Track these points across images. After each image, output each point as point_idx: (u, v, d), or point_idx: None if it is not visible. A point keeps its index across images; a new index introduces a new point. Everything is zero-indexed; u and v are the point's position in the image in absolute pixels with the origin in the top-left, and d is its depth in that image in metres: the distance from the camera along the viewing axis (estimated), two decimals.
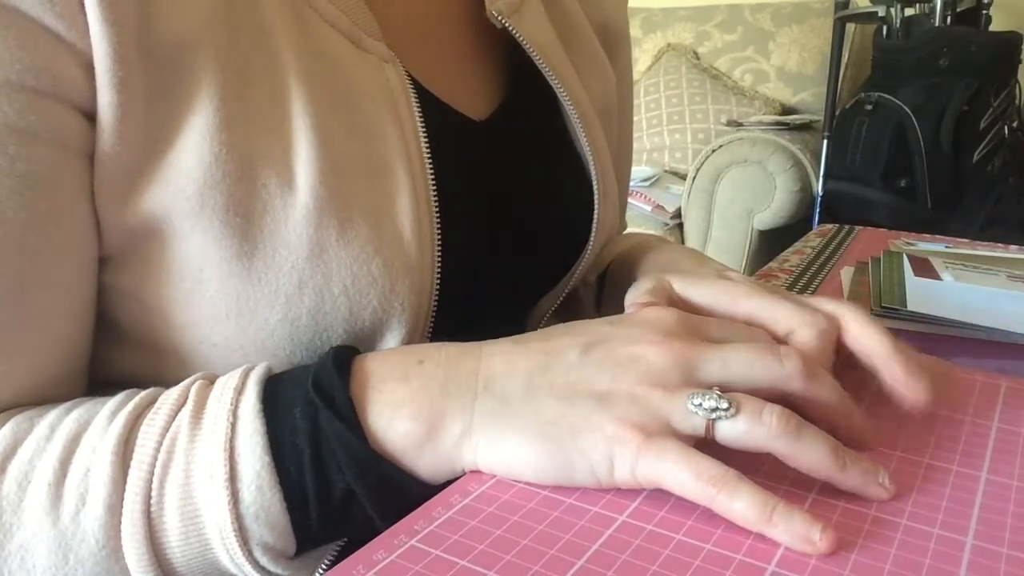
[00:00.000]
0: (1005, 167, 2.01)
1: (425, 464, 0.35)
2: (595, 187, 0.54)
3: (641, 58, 2.71)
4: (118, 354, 0.42)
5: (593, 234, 0.54)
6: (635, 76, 2.68)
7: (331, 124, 0.41)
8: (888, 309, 0.55)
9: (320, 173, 0.39)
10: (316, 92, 0.41)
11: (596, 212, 0.54)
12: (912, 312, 0.54)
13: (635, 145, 2.54)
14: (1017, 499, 0.34)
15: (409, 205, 0.43)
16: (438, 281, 0.44)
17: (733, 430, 0.33)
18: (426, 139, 0.44)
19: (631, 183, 2.28)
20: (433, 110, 0.46)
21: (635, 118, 2.55)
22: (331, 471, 0.35)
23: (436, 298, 0.44)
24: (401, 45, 0.46)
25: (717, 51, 2.59)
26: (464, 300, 0.47)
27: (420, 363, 0.37)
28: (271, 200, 0.39)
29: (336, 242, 0.40)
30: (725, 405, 0.33)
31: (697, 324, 0.38)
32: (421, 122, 0.44)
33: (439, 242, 0.44)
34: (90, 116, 0.36)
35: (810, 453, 0.33)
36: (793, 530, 0.30)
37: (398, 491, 0.35)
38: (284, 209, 0.39)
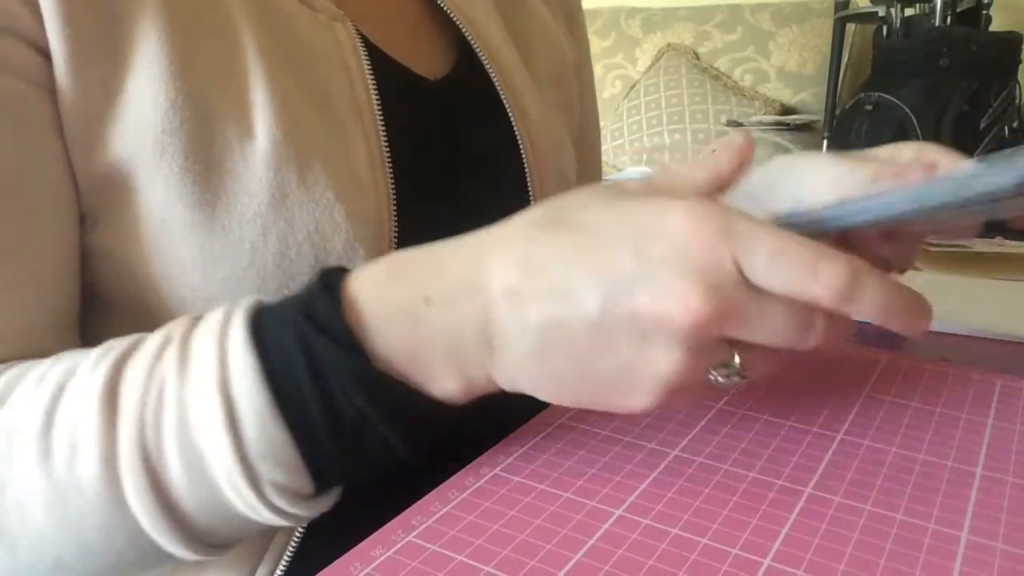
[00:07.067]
0: None
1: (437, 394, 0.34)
2: (522, 154, 0.54)
3: (641, 58, 2.71)
4: (102, 320, 0.42)
5: (531, 193, 0.55)
6: (635, 76, 2.68)
7: (284, 79, 0.42)
8: None
9: (277, 119, 0.40)
10: (267, 48, 0.42)
11: (528, 177, 0.54)
12: None
13: (635, 145, 2.54)
14: (1012, 495, 0.34)
15: (364, 158, 0.44)
16: (395, 235, 0.45)
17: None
18: (377, 96, 0.45)
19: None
20: (385, 68, 0.47)
21: (635, 118, 2.56)
22: (337, 397, 0.32)
23: (395, 249, 0.44)
24: (353, 6, 0.47)
25: (717, 51, 2.59)
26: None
27: (427, 302, 0.33)
28: (229, 148, 0.39)
29: (297, 187, 0.40)
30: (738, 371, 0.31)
31: (741, 254, 0.30)
32: (372, 79, 0.45)
33: (394, 196, 0.45)
34: (45, 53, 0.37)
35: None
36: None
37: (414, 410, 0.34)
38: (243, 157, 0.40)
